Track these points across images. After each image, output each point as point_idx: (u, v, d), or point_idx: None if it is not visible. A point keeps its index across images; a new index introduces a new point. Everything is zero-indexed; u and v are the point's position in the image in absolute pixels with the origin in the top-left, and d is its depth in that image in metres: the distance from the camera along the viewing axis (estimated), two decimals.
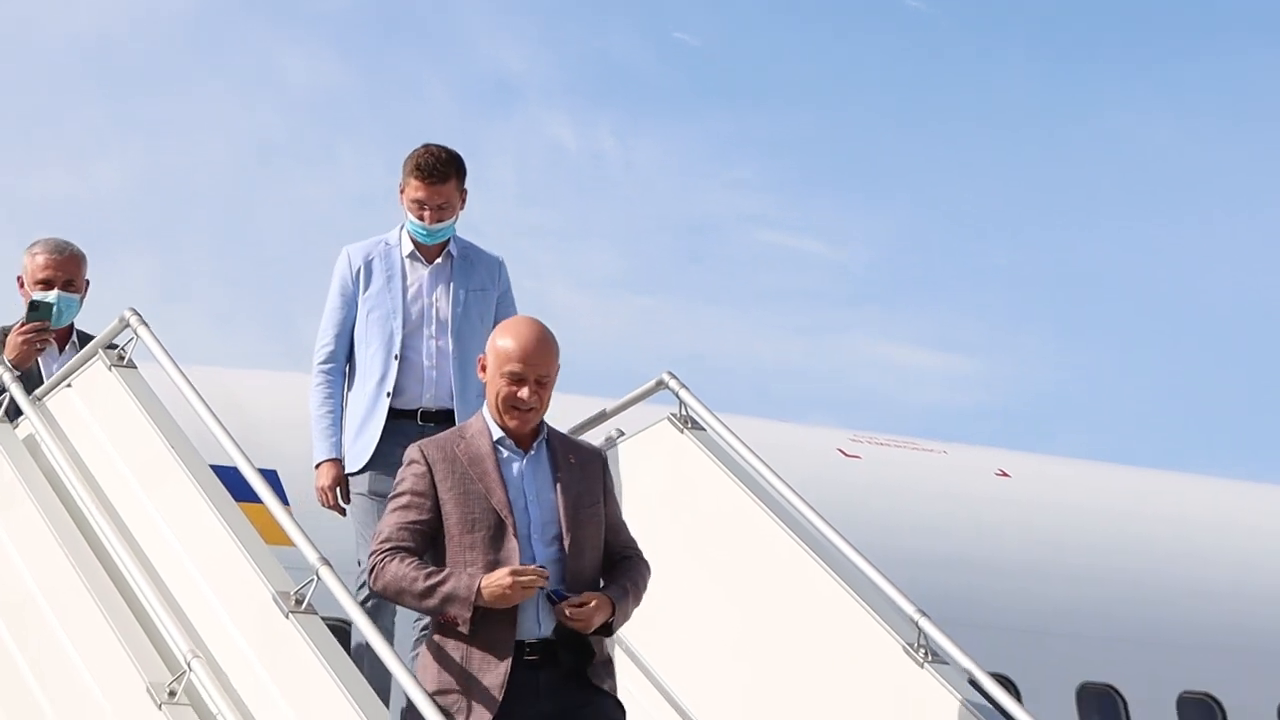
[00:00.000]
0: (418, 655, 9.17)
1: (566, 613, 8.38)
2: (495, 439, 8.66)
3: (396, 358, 12.19)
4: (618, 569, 8.79)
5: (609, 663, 8.87)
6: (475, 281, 12.53)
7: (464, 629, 8.31)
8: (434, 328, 12.34)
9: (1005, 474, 19.91)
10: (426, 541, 8.58)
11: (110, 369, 11.72)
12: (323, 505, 12.29)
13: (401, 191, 12.31)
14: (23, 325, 12.40)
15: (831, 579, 11.41)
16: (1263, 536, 21.65)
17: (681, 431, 12.70)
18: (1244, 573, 20.32)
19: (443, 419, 11.95)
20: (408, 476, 8.62)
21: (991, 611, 15.46)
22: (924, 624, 10.84)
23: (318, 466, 12.25)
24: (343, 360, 12.43)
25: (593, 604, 8.46)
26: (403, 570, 8.40)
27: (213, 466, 11.26)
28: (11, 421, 12.30)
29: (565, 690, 8.61)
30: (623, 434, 13.43)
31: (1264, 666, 18.90)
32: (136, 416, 11.48)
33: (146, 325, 11.77)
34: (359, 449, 12.10)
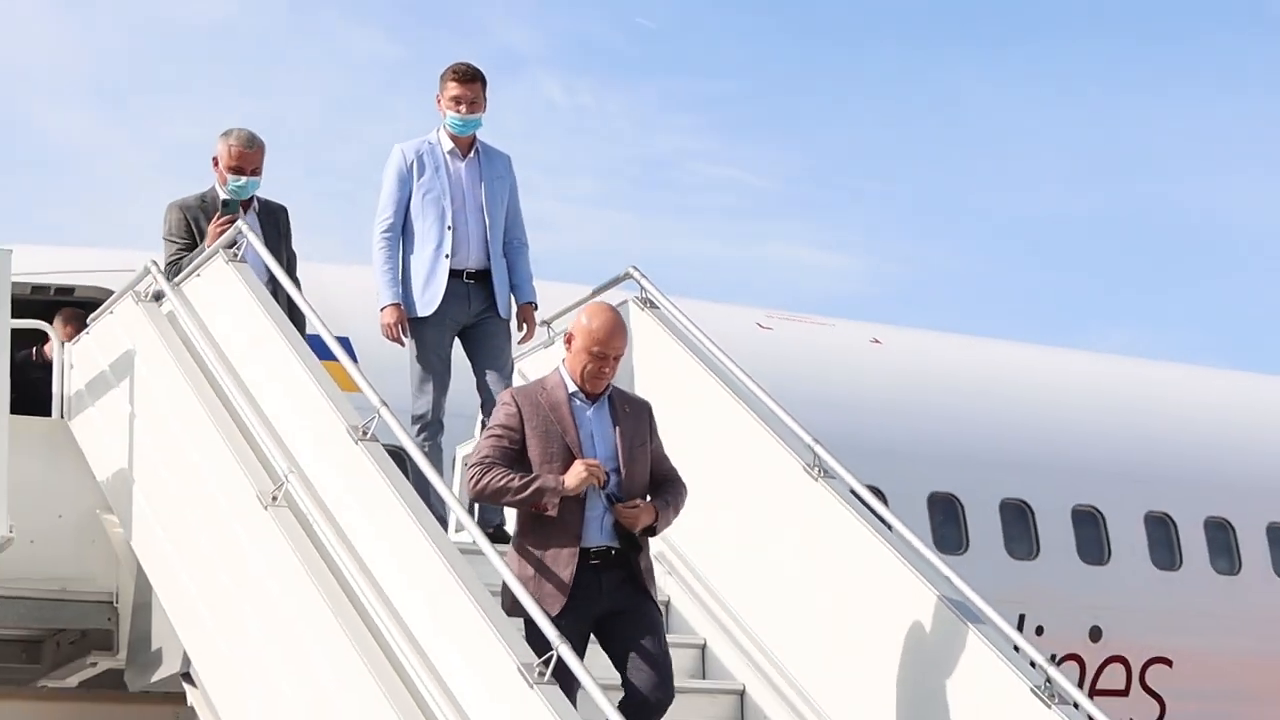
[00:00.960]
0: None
1: (620, 511, 8.98)
2: (570, 392, 9.15)
3: (449, 228, 12.63)
4: (661, 488, 9.31)
5: (651, 570, 9.38)
6: (496, 171, 12.90)
7: (552, 512, 8.79)
8: (473, 206, 12.73)
9: (878, 341, 20.46)
10: (513, 463, 8.96)
11: (227, 263, 11.89)
12: (387, 339, 12.70)
13: (438, 100, 12.73)
14: (220, 217, 12.56)
15: (751, 418, 11.69)
16: (1065, 381, 22.02)
17: (642, 310, 12.84)
18: (1051, 409, 20.68)
19: (482, 277, 12.66)
20: (501, 416, 9.12)
21: (866, 439, 15.48)
22: (818, 449, 11.11)
23: (383, 309, 12.60)
24: (399, 230, 12.72)
25: (640, 506, 9.04)
26: (498, 476, 8.87)
27: (304, 335, 11.71)
28: (158, 303, 12.33)
29: (620, 591, 9.12)
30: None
31: (1063, 477, 19.39)
32: (247, 299, 11.68)
33: (255, 233, 12.10)
34: (427, 298, 12.53)
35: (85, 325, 13.43)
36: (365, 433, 10.29)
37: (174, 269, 12.59)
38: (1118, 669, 18.73)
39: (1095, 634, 18.68)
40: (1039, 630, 17.19)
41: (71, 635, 12.95)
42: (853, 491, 11.10)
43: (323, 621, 9.97)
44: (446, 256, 12.66)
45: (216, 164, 13.03)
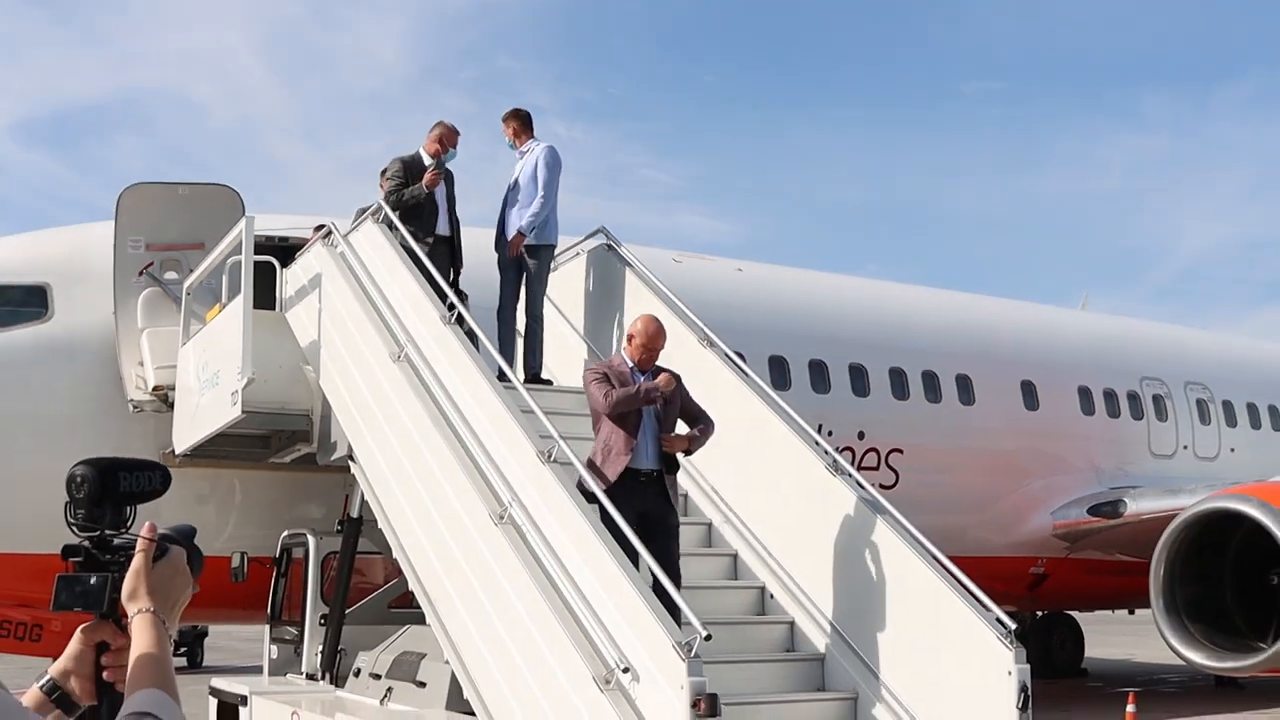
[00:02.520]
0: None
1: (665, 440, 9.82)
2: (630, 367, 10.08)
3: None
4: (694, 423, 10.14)
5: (676, 486, 10.13)
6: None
7: (659, 396, 9.81)
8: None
9: (740, 269, 20.76)
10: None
11: (375, 224, 12.66)
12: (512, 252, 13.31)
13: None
14: (434, 169, 13.16)
15: (676, 319, 11.98)
16: (844, 292, 22.52)
17: (608, 252, 13.55)
18: (836, 306, 21.17)
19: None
20: (594, 377, 9.98)
21: (733, 326, 14.88)
22: (710, 334, 11.88)
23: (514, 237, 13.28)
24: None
25: (677, 436, 9.93)
26: (621, 392, 9.79)
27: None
28: (335, 246, 13.01)
29: (655, 498, 9.70)
30: (577, 254, 14.14)
31: (844, 346, 20.10)
32: (389, 250, 12.40)
33: (389, 209, 12.75)
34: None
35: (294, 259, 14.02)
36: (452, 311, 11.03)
37: (394, 197, 13.01)
38: (873, 455, 19.57)
39: (861, 434, 19.50)
40: (830, 433, 16.68)
41: (286, 433, 13.86)
42: (729, 358, 11.74)
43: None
44: None
45: (437, 143, 13.55)
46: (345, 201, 16.36)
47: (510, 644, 9.02)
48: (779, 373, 18.80)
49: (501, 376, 10.98)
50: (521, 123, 13.74)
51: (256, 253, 13.16)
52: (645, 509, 9.51)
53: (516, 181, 13.50)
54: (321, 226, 13.73)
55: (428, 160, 13.56)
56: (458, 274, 13.50)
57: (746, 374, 11.68)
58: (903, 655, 9.22)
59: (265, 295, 13.67)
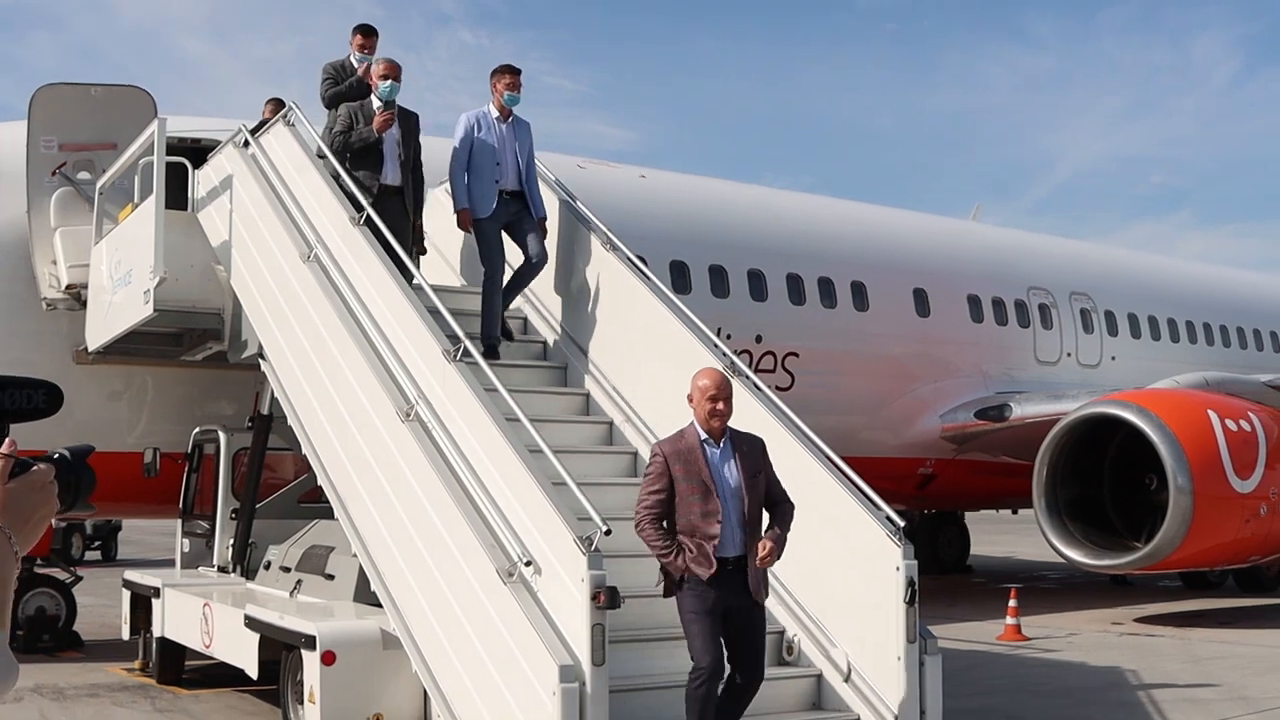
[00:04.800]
0: None
1: (760, 564, 8.03)
2: (702, 439, 8.10)
3: (498, 164, 12.31)
4: (775, 510, 8.20)
5: (766, 577, 8.24)
6: (522, 128, 12.44)
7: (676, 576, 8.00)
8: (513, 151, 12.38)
9: (644, 176, 20.72)
10: (668, 504, 7.97)
11: (284, 126, 12.50)
12: (461, 227, 12.54)
13: (494, 86, 12.37)
14: (385, 111, 12.26)
15: (577, 219, 12.32)
16: (740, 197, 22.46)
17: None
18: (735, 213, 21.04)
19: (517, 194, 12.36)
20: (654, 466, 8.07)
21: (636, 229, 15.12)
22: (609, 235, 11.92)
23: (459, 211, 12.43)
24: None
25: (770, 551, 7.99)
26: (653, 535, 7.93)
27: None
28: (246, 149, 12.87)
29: (739, 594, 8.00)
30: None
31: (743, 253, 20.09)
32: (298, 152, 12.27)
33: (300, 109, 12.49)
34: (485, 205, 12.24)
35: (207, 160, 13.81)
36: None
37: (340, 139, 12.37)
38: (770, 358, 19.59)
39: (759, 338, 19.55)
40: (728, 336, 17.40)
41: (198, 331, 13.78)
42: (632, 262, 11.73)
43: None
44: (496, 181, 12.32)
45: (369, 73, 12.81)
46: (255, 102, 16.21)
47: (416, 538, 9.01)
48: (680, 277, 18.84)
49: (409, 278, 10.82)
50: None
51: (168, 154, 13.13)
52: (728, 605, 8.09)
53: (515, 147, 12.58)
54: (280, 103, 13.52)
55: (356, 58, 13.29)
56: (418, 232, 13.02)
57: (648, 278, 11.69)
58: (796, 550, 9.27)
59: (177, 196, 13.58)
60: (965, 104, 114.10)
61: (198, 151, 14.31)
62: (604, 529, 7.80)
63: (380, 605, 9.55)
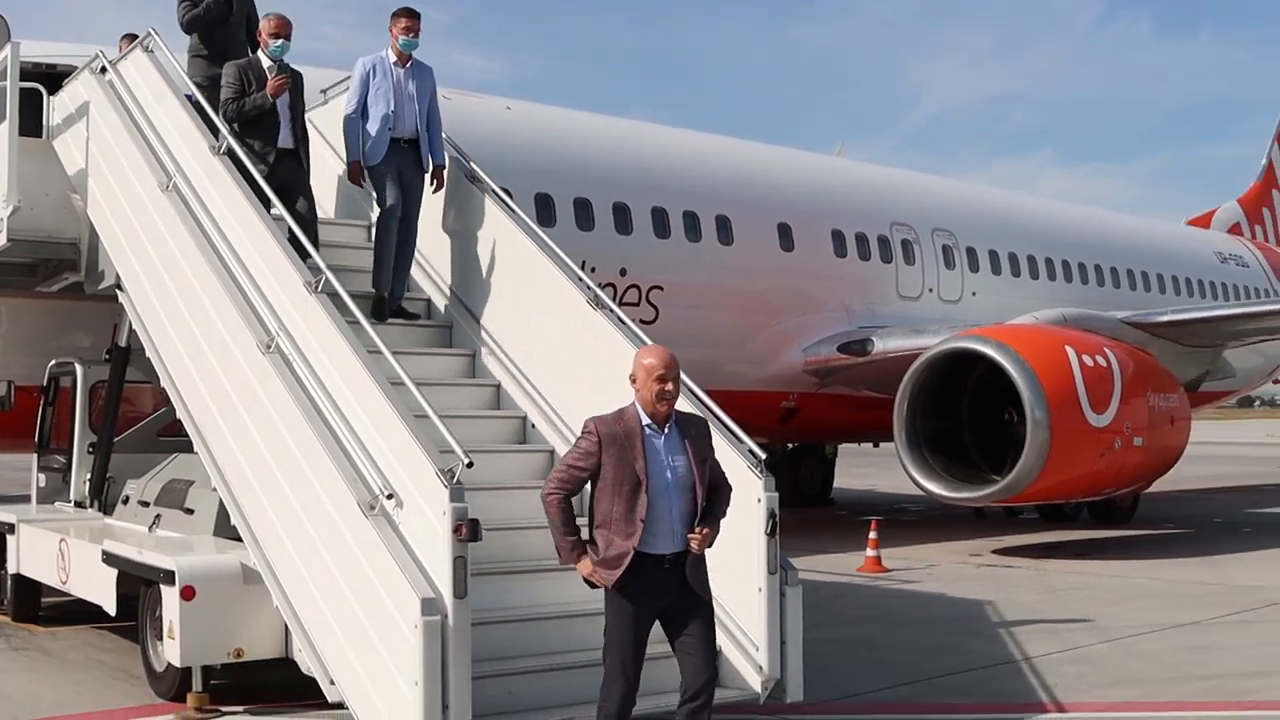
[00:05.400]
0: None
1: (695, 547, 7.07)
2: (644, 423, 7.10)
3: (394, 111, 11.98)
4: (718, 495, 7.27)
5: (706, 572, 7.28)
6: (423, 73, 12.13)
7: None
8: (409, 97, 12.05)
9: (509, 108, 20.46)
10: (580, 485, 7.14)
11: (143, 53, 12.18)
12: (351, 180, 12.32)
13: (391, 30, 11.98)
14: (279, 75, 11.68)
15: (466, 175, 12.00)
16: (606, 129, 22.36)
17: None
18: (599, 146, 21.03)
19: (413, 143, 12.03)
20: (585, 443, 7.10)
21: (500, 161, 14.86)
22: (476, 170, 11.85)
23: (350, 164, 12.19)
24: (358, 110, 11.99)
25: (705, 535, 7.09)
26: (557, 518, 7.07)
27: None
28: (104, 74, 12.52)
29: (678, 592, 7.12)
30: (348, 89, 12.75)
31: (606, 186, 20.11)
32: (158, 79, 12.00)
33: (159, 36, 12.13)
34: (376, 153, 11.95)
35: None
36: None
37: (233, 107, 11.70)
38: (634, 291, 19.68)
39: (623, 271, 19.60)
40: (593, 269, 17.31)
41: (54, 262, 13.51)
42: (496, 194, 11.70)
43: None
44: (390, 129, 12.02)
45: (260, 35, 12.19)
46: (116, 29, 15.83)
47: (277, 471, 8.89)
48: (545, 210, 18.77)
49: (269, 208, 10.56)
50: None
51: (22, 79, 12.84)
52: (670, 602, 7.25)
53: (411, 93, 12.22)
54: (133, 37, 13.10)
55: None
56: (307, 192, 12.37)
57: (513, 210, 11.61)
58: None
59: (31, 123, 13.30)
60: (836, 39, 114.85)
61: (53, 78, 13.91)
62: (466, 461, 7.71)
63: (240, 540, 9.42)
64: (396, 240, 11.97)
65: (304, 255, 9.82)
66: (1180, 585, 16.37)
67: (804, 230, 22.71)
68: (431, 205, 12.25)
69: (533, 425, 10.74)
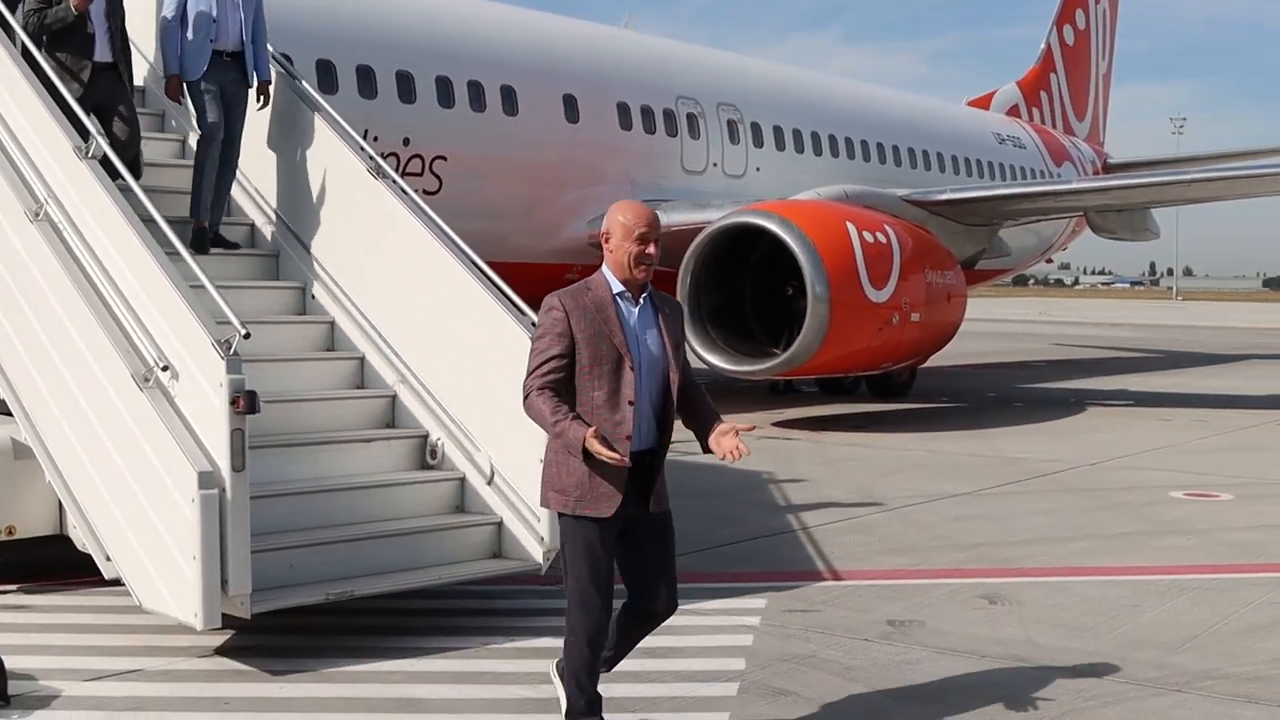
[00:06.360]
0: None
1: (727, 452, 6.02)
2: (615, 292, 6.00)
3: (215, 21, 11.32)
4: (693, 396, 6.22)
5: (664, 481, 6.20)
6: None
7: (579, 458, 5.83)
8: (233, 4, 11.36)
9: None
10: (567, 374, 5.94)
11: None
12: (170, 96, 11.63)
13: None
14: None
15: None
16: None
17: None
18: (407, 16, 20.40)
19: (236, 55, 11.38)
20: (548, 320, 6.00)
21: (290, 30, 14.90)
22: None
23: (168, 77, 11.53)
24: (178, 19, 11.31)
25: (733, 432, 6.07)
26: (542, 407, 5.86)
27: None
28: None
29: (638, 501, 6.04)
30: None
31: (392, 51, 19.59)
32: None
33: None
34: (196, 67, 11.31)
35: None
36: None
37: (35, 19, 10.66)
38: (418, 162, 19.44)
39: (406, 141, 19.29)
40: (375, 139, 17.56)
41: None
42: (275, 60, 11.45)
43: None
44: (211, 40, 11.36)
45: None
46: None
47: (47, 343, 8.65)
48: (326, 77, 18.43)
49: (34, 67, 10.05)
50: None
51: None
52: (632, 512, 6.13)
53: (236, 4, 11.50)
54: None
55: None
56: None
57: (293, 76, 11.43)
58: (441, 358, 9.36)
59: None
60: None
61: None
62: (243, 332, 7.61)
63: (10, 414, 9.15)
64: (219, 163, 11.31)
65: (115, 176, 9.10)
66: (953, 457, 16.80)
67: (589, 102, 22.61)
68: (280, 149, 11.48)
69: (313, 296, 10.63)
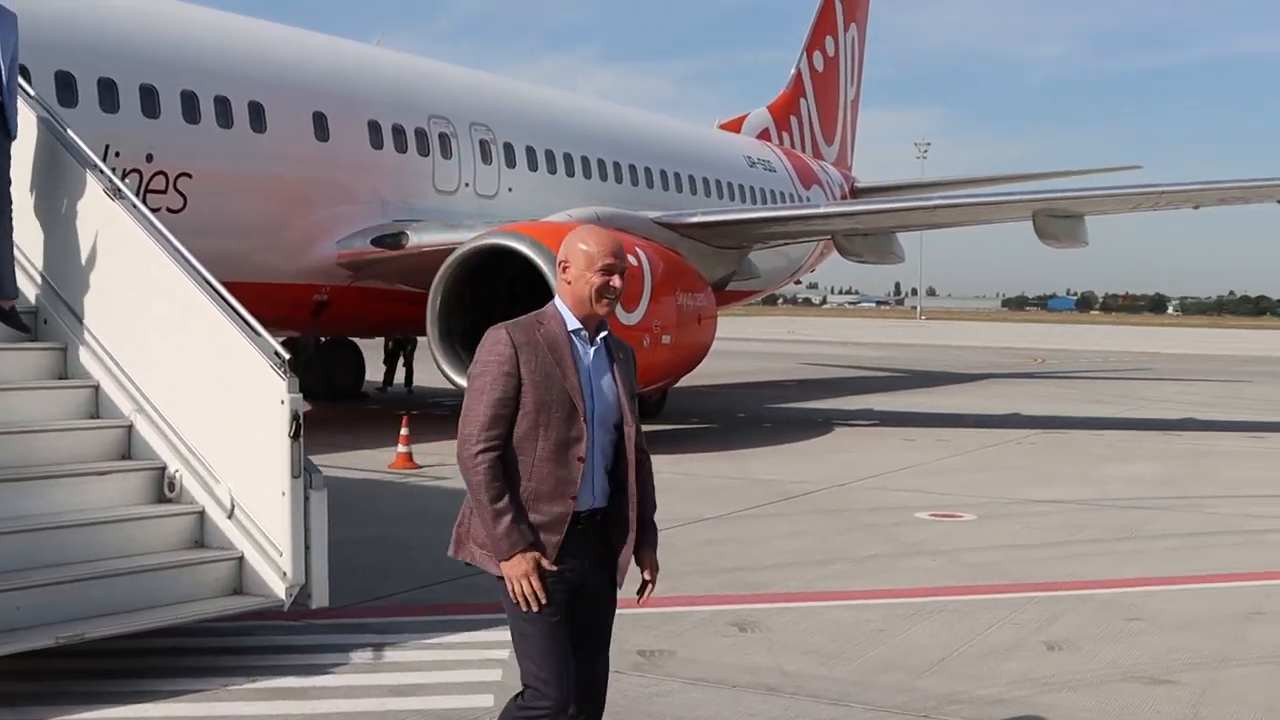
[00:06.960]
0: None
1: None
2: (571, 329, 5.19)
3: None
4: (642, 469, 5.43)
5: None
6: (6, 21, 10.39)
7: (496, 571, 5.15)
8: None
9: None
10: (512, 419, 5.11)
11: None
12: None
13: None
14: None
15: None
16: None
17: None
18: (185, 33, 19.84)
19: None
20: (492, 356, 5.16)
21: (28, 40, 14.14)
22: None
23: None
24: None
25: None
26: (486, 489, 5.06)
27: None
28: None
29: (592, 566, 5.33)
30: None
31: (143, 66, 18.93)
32: None
33: None
34: None
35: None
36: None
37: None
38: (161, 179, 18.84)
39: (149, 158, 18.67)
40: (117, 154, 17.40)
41: None
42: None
43: None
44: None
45: None
46: None
47: None
48: (65, 90, 17.83)
49: None
50: None
51: None
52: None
53: None
54: None
55: None
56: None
57: (28, 92, 10.76)
58: (179, 385, 9.02)
59: None
60: None
61: None
62: None
63: None
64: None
65: None
66: (704, 479, 16.85)
67: (340, 120, 22.35)
68: (45, 207, 10.43)
69: (45, 321, 10.10)
